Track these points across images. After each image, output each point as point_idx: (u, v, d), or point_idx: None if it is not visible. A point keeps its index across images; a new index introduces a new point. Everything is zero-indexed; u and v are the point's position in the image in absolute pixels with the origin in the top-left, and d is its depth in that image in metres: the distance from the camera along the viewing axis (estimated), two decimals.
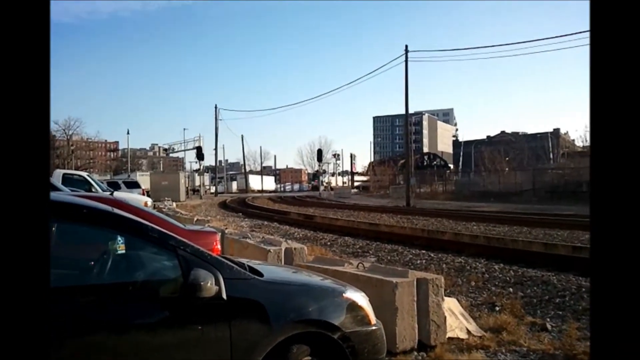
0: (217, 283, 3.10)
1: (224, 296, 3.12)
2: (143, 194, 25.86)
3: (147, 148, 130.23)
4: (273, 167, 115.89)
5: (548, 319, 6.24)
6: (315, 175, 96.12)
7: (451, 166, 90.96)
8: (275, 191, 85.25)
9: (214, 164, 68.61)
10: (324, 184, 72.50)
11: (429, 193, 50.21)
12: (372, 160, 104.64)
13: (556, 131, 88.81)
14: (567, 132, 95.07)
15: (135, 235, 3.22)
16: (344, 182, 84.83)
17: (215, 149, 62.06)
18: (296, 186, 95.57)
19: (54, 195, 4.41)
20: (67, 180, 16.28)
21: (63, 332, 2.83)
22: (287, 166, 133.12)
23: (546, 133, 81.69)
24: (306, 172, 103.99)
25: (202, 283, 3.01)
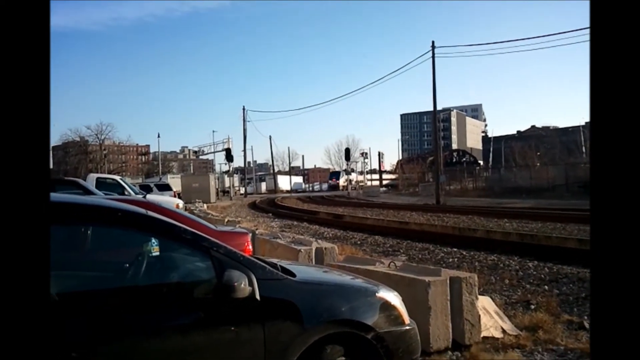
0: (251, 284, 3.11)
1: (258, 297, 3.12)
2: (174, 196, 26.24)
3: (178, 151, 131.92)
4: (301, 167, 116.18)
5: (585, 317, 6.06)
6: (334, 173, 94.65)
7: (481, 162, 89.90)
8: (304, 191, 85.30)
9: (243, 165, 69.06)
10: (353, 182, 72.01)
11: (459, 190, 49.63)
12: (401, 158, 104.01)
13: (588, 124, 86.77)
14: None
15: (168, 237, 3.25)
16: (360, 181, 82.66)
17: (244, 150, 62.43)
18: (324, 186, 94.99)
19: (89, 199, 4.50)
20: (101, 183, 16.60)
21: (99, 333, 2.89)
22: (315, 166, 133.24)
23: (578, 126, 79.97)
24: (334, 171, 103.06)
25: (235, 284, 3.03)
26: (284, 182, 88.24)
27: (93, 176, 19.12)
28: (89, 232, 3.49)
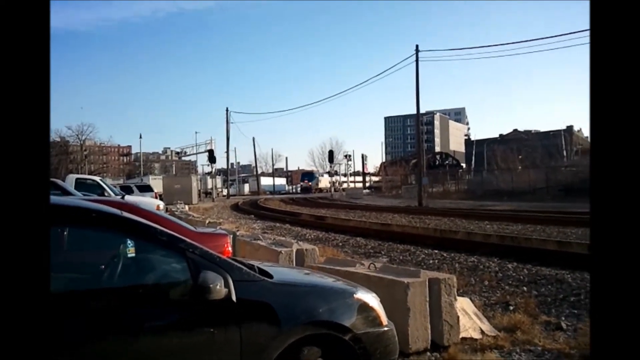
0: (227, 285, 3.09)
1: (234, 298, 3.11)
2: (156, 197, 26.02)
3: (160, 152, 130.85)
4: (285, 169, 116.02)
5: (563, 318, 6.16)
6: (306, 174, 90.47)
7: (463, 165, 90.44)
8: (287, 192, 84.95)
9: (225, 166, 68.79)
10: (336, 184, 71.38)
11: (442, 193, 49.94)
12: (384, 160, 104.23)
13: (569, 128, 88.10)
14: (581, 129, 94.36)
15: (143, 239, 3.22)
16: (338, 182, 79.50)
17: (227, 151, 62.17)
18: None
19: (63, 199, 4.43)
20: (80, 184, 16.41)
21: (75, 335, 2.85)
22: (298, 168, 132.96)
23: (559, 130, 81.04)
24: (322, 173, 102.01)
25: (211, 285, 3.01)
26: (267, 184, 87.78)
27: (72, 177, 18.87)
28: (65, 233, 3.44)
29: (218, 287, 3.03)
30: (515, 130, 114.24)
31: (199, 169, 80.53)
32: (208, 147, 60.11)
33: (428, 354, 4.92)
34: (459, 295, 5.52)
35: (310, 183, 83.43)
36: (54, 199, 3.96)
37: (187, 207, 28.60)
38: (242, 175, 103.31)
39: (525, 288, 7.87)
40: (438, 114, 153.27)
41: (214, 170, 59.80)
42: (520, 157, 59.46)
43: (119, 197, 13.96)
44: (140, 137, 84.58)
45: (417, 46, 35.03)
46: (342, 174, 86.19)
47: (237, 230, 11.76)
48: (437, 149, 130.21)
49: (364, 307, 3.63)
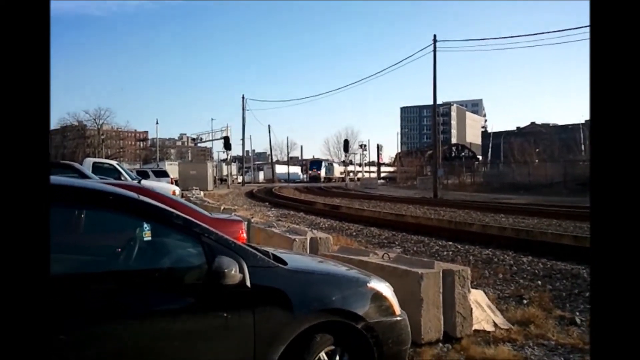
0: (241, 271, 3.09)
1: (248, 284, 3.11)
2: (171, 183, 26.15)
3: (176, 138, 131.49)
4: (300, 158, 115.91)
5: (577, 313, 6.10)
6: (314, 163, 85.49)
7: (480, 157, 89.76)
8: (302, 181, 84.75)
9: (241, 153, 68.93)
10: (351, 174, 70.64)
11: (457, 184, 49.63)
12: (400, 151, 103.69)
13: (588, 122, 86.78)
14: None
15: (160, 222, 3.23)
16: (349, 172, 78.26)
17: (243, 139, 62.43)
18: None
19: (80, 182, 4.47)
20: (97, 168, 16.54)
21: (90, 317, 2.87)
22: (313, 156, 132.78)
23: (577, 124, 79.92)
24: (333, 162, 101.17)
25: (225, 270, 3.01)
26: (282, 172, 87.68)
27: (90, 160, 19.01)
28: (82, 215, 3.47)
29: (233, 272, 3.03)
30: (532, 123, 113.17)
31: (215, 156, 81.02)
32: (224, 134, 60.30)
33: (440, 344, 4.91)
34: (472, 287, 5.51)
35: (319, 172, 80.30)
36: (72, 181, 4.01)
37: (202, 193, 28.77)
38: (257, 162, 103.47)
39: (539, 282, 7.82)
40: (455, 105, 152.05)
41: (229, 157, 60.01)
42: (537, 150, 58.87)
43: (135, 181, 14.06)
44: (157, 123, 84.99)
45: (434, 36, 34.71)
46: (357, 164, 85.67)
47: (252, 217, 11.82)
48: (454, 140, 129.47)
49: (377, 296, 3.62)
